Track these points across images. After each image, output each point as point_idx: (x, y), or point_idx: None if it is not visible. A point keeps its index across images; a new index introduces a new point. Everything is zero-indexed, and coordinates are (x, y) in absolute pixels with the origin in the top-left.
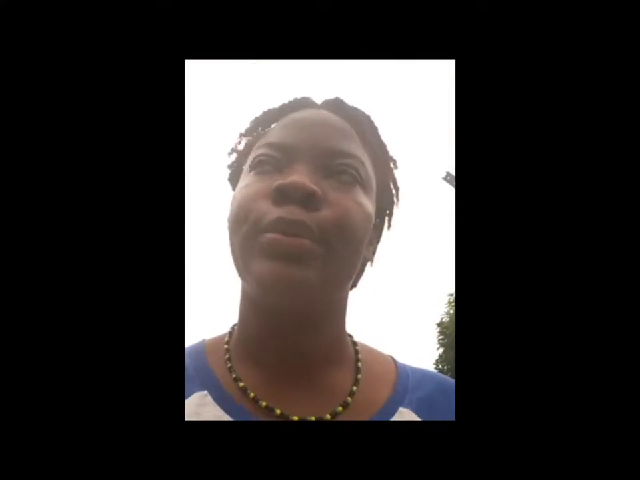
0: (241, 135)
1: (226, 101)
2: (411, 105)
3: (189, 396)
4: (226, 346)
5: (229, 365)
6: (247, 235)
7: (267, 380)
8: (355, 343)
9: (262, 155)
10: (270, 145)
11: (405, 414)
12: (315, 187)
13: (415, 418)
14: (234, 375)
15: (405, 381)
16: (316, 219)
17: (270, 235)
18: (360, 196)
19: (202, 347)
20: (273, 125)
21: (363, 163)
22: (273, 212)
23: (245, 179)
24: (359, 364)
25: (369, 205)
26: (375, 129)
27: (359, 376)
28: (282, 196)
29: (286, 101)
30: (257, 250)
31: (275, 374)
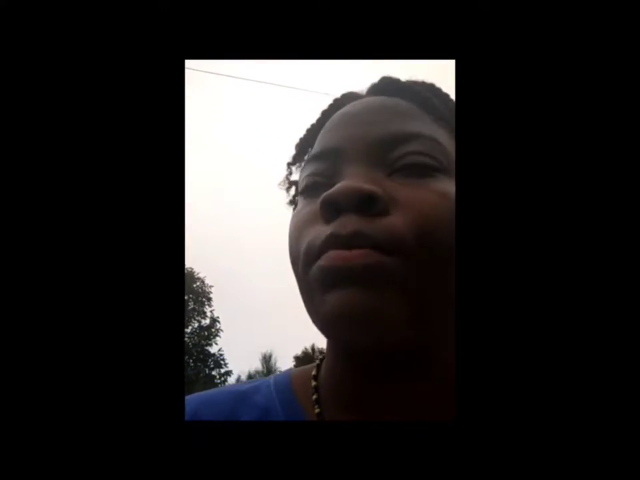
0: (289, 165)
1: (226, 100)
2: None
3: None
4: (314, 382)
5: (317, 410)
6: (303, 269)
7: None
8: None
9: (308, 175)
10: (312, 159)
11: None
12: (371, 186)
13: None
14: (317, 410)
15: None
16: (382, 225)
17: (326, 256)
18: (445, 185)
19: (288, 380)
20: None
21: (437, 141)
22: (324, 230)
23: (295, 210)
24: None
25: None
26: (445, 95)
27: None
28: (332, 210)
29: (326, 106)
30: (315, 283)
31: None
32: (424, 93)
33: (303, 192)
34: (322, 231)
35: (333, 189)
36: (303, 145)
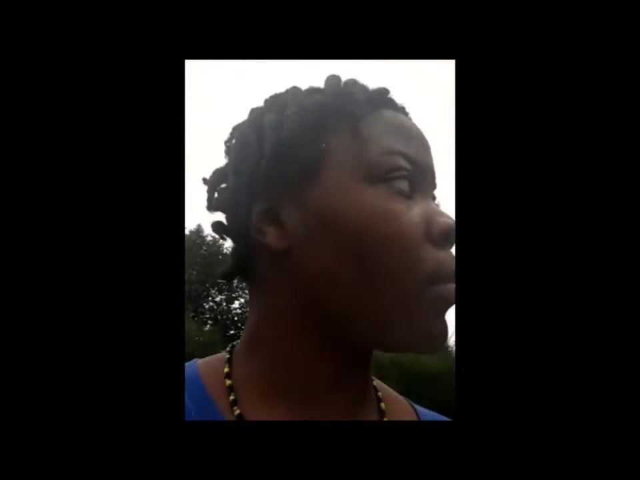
0: (318, 99)
1: (226, 100)
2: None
3: None
4: (229, 381)
5: (237, 411)
6: (419, 286)
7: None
8: (371, 379)
9: (402, 169)
10: (406, 158)
11: None
12: None
13: None
14: (237, 412)
15: None
16: None
17: (446, 287)
18: None
19: (195, 374)
20: (370, 119)
21: None
22: (447, 260)
23: (376, 196)
24: (382, 405)
25: None
26: None
27: (385, 420)
28: (447, 238)
29: (362, 84)
30: (431, 302)
31: (300, 415)
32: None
33: (392, 183)
34: (441, 256)
35: (450, 221)
36: (343, 108)
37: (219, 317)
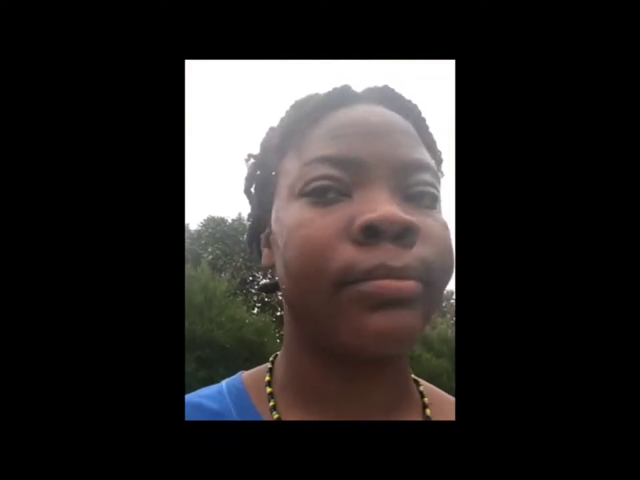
0: (279, 149)
1: (226, 101)
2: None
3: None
4: (269, 389)
5: (277, 415)
6: (332, 288)
7: None
8: (417, 383)
9: (320, 178)
10: (328, 161)
11: None
12: (412, 218)
13: None
14: (276, 415)
15: None
16: (421, 259)
17: (366, 284)
18: (442, 216)
19: (241, 384)
20: (314, 129)
21: (437, 175)
22: (364, 257)
23: (296, 209)
24: (427, 411)
25: None
26: (425, 120)
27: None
28: (370, 235)
29: (320, 93)
30: (352, 303)
31: (334, 418)
32: (414, 112)
33: (311, 195)
34: (357, 254)
35: (377, 215)
36: (288, 126)
37: (267, 299)
